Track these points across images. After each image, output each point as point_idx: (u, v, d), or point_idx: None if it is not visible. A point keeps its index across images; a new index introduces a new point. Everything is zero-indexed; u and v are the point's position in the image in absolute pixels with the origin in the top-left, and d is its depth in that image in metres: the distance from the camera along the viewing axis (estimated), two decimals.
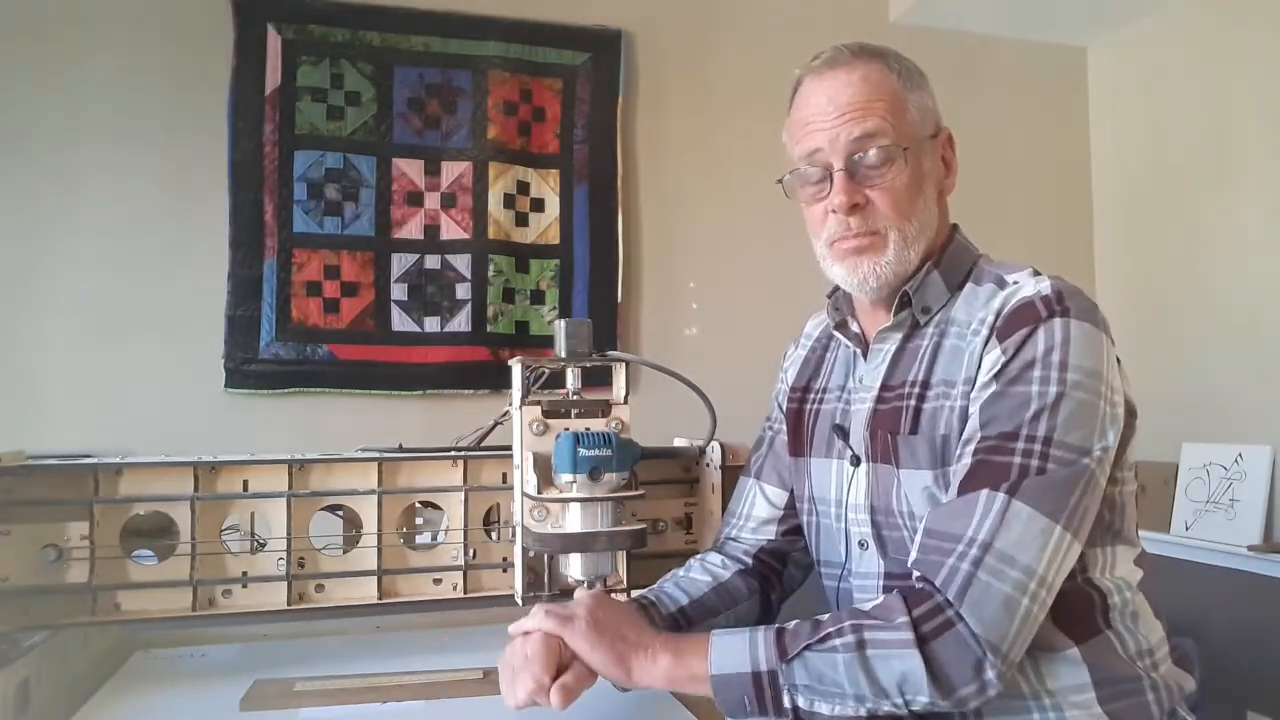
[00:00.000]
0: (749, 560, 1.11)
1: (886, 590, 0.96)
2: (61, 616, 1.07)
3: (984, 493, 0.83)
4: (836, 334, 1.08)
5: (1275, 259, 2.35)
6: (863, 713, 0.81)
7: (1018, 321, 0.88)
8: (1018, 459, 0.83)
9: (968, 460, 0.86)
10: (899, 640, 0.80)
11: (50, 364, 2.13)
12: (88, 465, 1.10)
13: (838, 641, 0.81)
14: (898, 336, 0.99)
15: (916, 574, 0.85)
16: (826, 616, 0.85)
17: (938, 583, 0.82)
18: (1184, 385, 2.54)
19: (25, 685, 1.01)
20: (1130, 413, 0.91)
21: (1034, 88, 2.93)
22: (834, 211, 0.95)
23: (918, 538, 0.87)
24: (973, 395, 0.88)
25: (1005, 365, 0.86)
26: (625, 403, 1.07)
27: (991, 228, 2.69)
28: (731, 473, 1.23)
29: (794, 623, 0.86)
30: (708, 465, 1.27)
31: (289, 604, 1.13)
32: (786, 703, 0.82)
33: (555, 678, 0.86)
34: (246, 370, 2.23)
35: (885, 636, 0.80)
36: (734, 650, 0.84)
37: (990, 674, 0.79)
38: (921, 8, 2.70)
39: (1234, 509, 2.29)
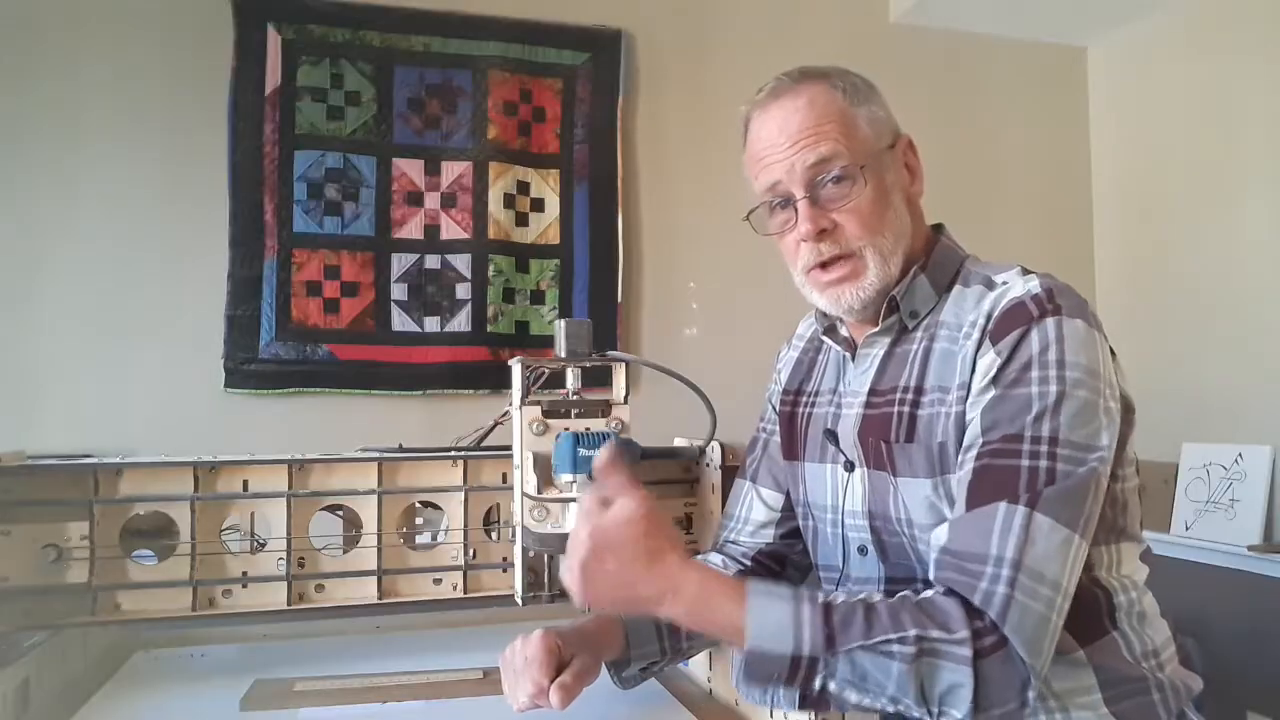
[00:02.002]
0: (747, 563, 1.11)
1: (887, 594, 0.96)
2: (61, 616, 1.07)
3: (1002, 506, 0.80)
4: (825, 339, 1.08)
5: (1276, 259, 2.35)
6: (888, 709, 0.79)
7: (1010, 322, 0.87)
8: (1025, 461, 0.81)
9: (971, 467, 0.84)
10: (958, 655, 0.76)
11: (50, 364, 2.12)
12: (88, 465, 1.10)
13: (897, 649, 0.76)
14: (885, 341, 0.98)
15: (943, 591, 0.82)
16: (881, 605, 0.79)
17: (976, 604, 0.79)
18: (1184, 385, 2.54)
19: (25, 685, 1.01)
20: (1128, 408, 0.91)
21: (1034, 88, 2.92)
22: (803, 241, 0.95)
23: (935, 554, 0.84)
24: (970, 400, 0.87)
25: (1001, 368, 0.85)
26: (625, 403, 1.07)
27: (991, 227, 2.71)
28: (731, 473, 1.23)
29: (841, 603, 0.80)
30: (708, 465, 1.27)
31: (289, 604, 1.13)
32: (817, 685, 0.78)
33: (555, 678, 0.86)
34: (246, 370, 2.23)
35: (947, 649, 0.76)
36: (776, 627, 0.78)
37: (1030, 694, 0.77)
38: (921, 8, 2.70)
39: (1234, 509, 2.29)
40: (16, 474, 1.06)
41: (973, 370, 0.88)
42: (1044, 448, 0.82)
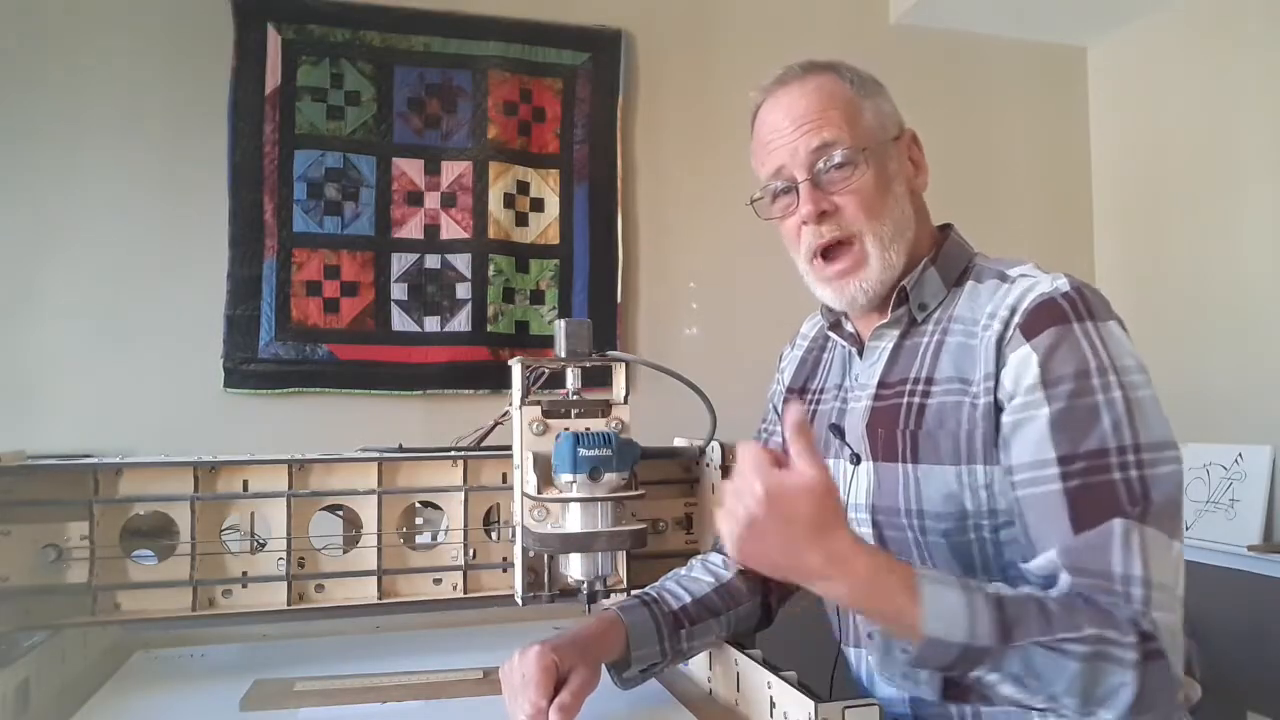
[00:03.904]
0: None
1: None
2: (61, 616, 1.07)
3: (1117, 524, 0.80)
4: (831, 334, 1.08)
5: (1275, 259, 2.35)
6: (1040, 706, 0.78)
7: (1044, 319, 0.86)
8: (1117, 475, 0.81)
9: (1056, 486, 0.82)
10: (1127, 660, 0.75)
11: (50, 363, 2.12)
12: (88, 465, 1.10)
13: (1075, 648, 0.75)
14: (894, 334, 0.99)
15: None
16: (1052, 603, 0.78)
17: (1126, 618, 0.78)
18: (1184, 385, 2.54)
19: (25, 685, 1.01)
20: None
21: (1034, 88, 2.92)
22: (804, 223, 0.96)
23: (1062, 579, 0.81)
24: (1011, 399, 0.85)
25: (1048, 373, 0.84)
26: (625, 403, 1.07)
27: (992, 227, 2.70)
28: (731, 473, 1.23)
29: (1011, 596, 0.79)
30: (708, 465, 1.27)
31: (289, 604, 1.13)
32: (976, 674, 0.76)
33: (553, 697, 0.85)
34: (246, 370, 2.23)
35: (1118, 653, 0.76)
36: (951, 615, 0.75)
37: (1179, 711, 0.78)
38: (921, 8, 2.70)
39: (1234, 509, 2.29)
40: (16, 474, 1.06)
41: (998, 360, 0.87)
42: (1130, 457, 0.82)
